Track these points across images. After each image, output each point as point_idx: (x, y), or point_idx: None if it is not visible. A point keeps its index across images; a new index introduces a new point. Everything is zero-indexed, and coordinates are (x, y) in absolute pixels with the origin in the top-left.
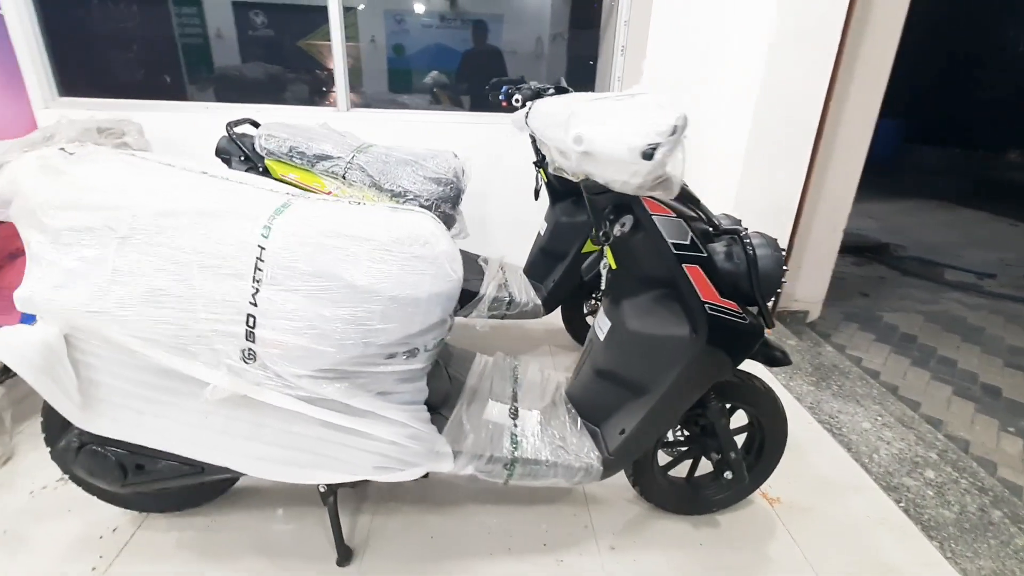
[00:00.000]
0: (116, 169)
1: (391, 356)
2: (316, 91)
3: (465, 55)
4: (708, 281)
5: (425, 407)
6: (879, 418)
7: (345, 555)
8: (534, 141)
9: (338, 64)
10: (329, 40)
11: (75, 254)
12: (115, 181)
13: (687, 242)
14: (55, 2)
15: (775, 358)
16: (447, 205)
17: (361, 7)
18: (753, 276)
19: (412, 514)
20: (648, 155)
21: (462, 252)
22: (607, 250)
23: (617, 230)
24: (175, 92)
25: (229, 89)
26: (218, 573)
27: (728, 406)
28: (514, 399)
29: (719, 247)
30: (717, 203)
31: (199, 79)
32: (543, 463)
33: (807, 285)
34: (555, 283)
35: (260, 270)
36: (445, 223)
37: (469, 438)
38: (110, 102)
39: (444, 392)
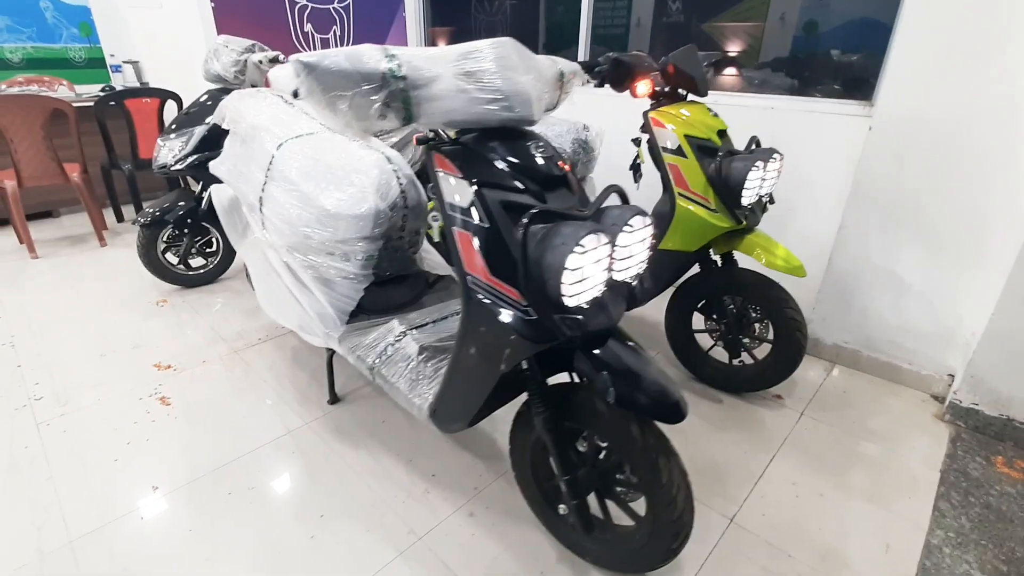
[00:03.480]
0: (257, 101)
1: (330, 254)
2: None
3: None
4: (477, 253)
5: (353, 303)
6: None
7: (333, 398)
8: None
9: (582, 42)
10: (733, 22)
11: (233, 146)
12: (252, 108)
13: (464, 205)
14: (443, 3)
15: (635, 400)
16: None
17: None
18: (522, 265)
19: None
20: (295, 95)
21: None
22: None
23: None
24: None
25: None
26: (271, 377)
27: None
28: (416, 328)
29: (540, 229)
30: (952, 244)
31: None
32: (391, 383)
33: None
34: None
35: (269, 170)
36: None
37: (358, 336)
38: None
39: (399, 304)
